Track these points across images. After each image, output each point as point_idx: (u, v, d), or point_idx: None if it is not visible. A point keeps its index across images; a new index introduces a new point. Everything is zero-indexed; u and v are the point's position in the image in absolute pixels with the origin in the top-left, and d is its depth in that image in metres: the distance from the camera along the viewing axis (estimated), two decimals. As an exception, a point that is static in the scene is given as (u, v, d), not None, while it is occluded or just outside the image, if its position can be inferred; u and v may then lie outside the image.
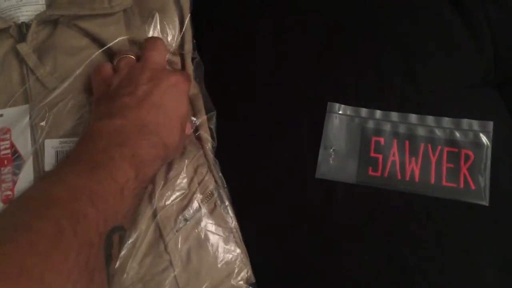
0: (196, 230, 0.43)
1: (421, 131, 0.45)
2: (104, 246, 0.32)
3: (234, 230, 0.45)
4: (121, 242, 0.35)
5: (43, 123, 0.43)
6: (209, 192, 0.45)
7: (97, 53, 0.45)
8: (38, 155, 0.43)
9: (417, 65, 0.47)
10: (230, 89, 0.50)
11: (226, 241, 0.44)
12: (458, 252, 0.42)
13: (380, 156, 0.45)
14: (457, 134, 0.45)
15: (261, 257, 0.45)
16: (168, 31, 0.48)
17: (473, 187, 0.43)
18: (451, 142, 0.45)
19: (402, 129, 0.46)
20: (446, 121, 0.45)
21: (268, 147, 0.48)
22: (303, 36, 0.51)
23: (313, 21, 0.51)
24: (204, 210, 0.44)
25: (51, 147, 0.43)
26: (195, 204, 0.44)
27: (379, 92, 0.47)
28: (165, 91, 0.40)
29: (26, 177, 0.42)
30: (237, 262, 0.43)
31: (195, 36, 0.50)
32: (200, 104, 0.49)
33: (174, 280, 0.41)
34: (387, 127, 0.46)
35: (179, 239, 0.42)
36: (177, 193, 0.44)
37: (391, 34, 0.49)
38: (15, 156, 0.42)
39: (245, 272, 0.44)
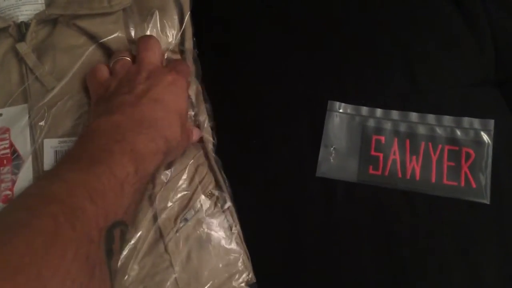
0: (197, 231, 0.43)
1: (421, 130, 0.45)
2: (105, 242, 0.32)
3: (236, 231, 0.44)
4: (123, 237, 0.35)
5: (42, 123, 0.43)
6: (209, 192, 0.45)
7: (91, 48, 0.45)
8: (37, 154, 0.43)
9: (418, 64, 0.47)
10: (229, 88, 0.50)
11: (227, 242, 0.44)
12: (459, 250, 0.42)
13: (381, 155, 0.45)
14: (458, 133, 0.45)
15: (261, 256, 0.45)
16: (168, 29, 0.48)
17: (474, 185, 0.43)
18: (452, 140, 0.45)
19: (402, 127, 0.46)
20: (447, 120, 0.45)
21: (269, 146, 0.48)
22: (303, 34, 0.51)
23: (313, 20, 0.51)
24: (205, 211, 0.44)
25: (50, 146, 0.43)
26: (196, 204, 0.44)
27: (380, 91, 0.47)
28: (163, 88, 0.40)
29: (25, 176, 0.42)
30: (239, 264, 0.43)
31: (195, 34, 0.50)
32: (200, 103, 0.49)
33: (174, 281, 0.41)
34: (388, 125, 0.46)
35: (180, 240, 0.42)
36: (178, 194, 0.44)
37: (392, 33, 0.49)
38: (14, 155, 0.42)
39: (247, 274, 0.44)
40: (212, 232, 0.43)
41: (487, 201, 0.43)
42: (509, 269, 0.42)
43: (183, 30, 0.49)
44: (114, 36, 0.45)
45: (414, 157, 0.45)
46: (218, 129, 0.49)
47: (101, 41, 0.45)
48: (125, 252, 0.40)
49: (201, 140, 0.47)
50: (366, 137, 0.46)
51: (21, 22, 0.45)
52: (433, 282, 0.42)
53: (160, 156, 0.38)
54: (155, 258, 0.41)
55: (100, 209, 0.32)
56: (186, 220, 0.43)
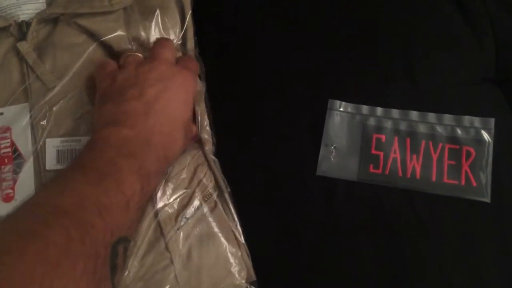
0: (197, 229, 0.43)
1: (422, 128, 0.45)
2: (110, 257, 0.32)
3: (236, 229, 0.44)
4: (125, 253, 0.35)
5: (43, 122, 0.43)
6: (209, 192, 0.45)
7: (92, 47, 0.45)
8: (38, 154, 0.43)
9: (418, 62, 0.47)
10: (229, 87, 0.50)
11: (227, 240, 0.44)
12: (459, 249, 0.42)
13: (381, 154, 0.45)
14: (459, 131, 0.45)
15: (261, 255, 0.45)
16: (170, 28, 0.48)
17: (474, 184, 0.43)
18: (453, 139, 0.44)
19: (403, 126, 0.45)
20: (448, 118, 0.45)
21: (269, 144, 0.48)
22: (304, 33, 0.50)
23: (314, 18, 0.51)
24: (205, 209, 0.44)
25: (52, 146, 0.43)
26: (196, 203, 0.44)
27: (380, 89, 0.47)
28: (173, 95, 0.40)
29: (26, 176, 0.42)
30: (238, 261, 0.43)
31: (195, 33, 0.50)
32: (201, 102, 0.49)
33: (174, 279, 0.41)
34: (388, 124, 0.46)
35: (180, 238, 0.42)
36: (178, 192, 0.44)
37: (392, 31, 0.49)
38: (16, 154, 0.42)
39: (246, 271, 0.44)
40: (212, 230, 0.43)
41: (487, 199, 0.42)
42: (509, 268, 0.42)
43: (184, 29, 0.49)
44: (115, 35, 0.45)
45: (414, 156, 0.45)
46: (218, 128, 0.49)
47: (102, 39, 0.45)
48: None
49: (200, 141, 0.47)
50: (366, 135, 0.46)
51: (22, 21, 0.45)
52: (433, 281, 0.42)
53: (161, 175, 0.39)
54: (156, 256, 0.41)
55: (107, 224, 0.32)
56: (186, 218, 0.43)
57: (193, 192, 0.44)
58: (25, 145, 0.42)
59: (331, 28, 0.50)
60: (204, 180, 0.45)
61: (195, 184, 0.44)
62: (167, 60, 0.43)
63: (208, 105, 0.49)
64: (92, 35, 0.45)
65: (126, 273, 0.40)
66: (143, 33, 0.47)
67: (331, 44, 0.50)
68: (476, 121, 0.45)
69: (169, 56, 0.43)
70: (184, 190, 0.44)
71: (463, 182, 0.43)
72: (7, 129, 0.43)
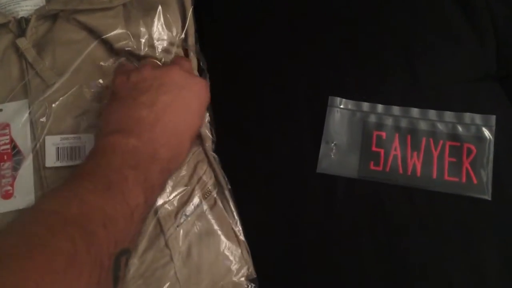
0: (197, 227, 0.43)
1: (423, 125, 0.45)
2: (113, 268, 0.32)
3: (236, 226, 0.44)
4: (127, 265, 0.35)
5: (43, 119, 0.43)
6: (208, 189, 0.45)
7: (93, 44, 0.45)
8: (38, 151, 0.43)
9: (419, 59, 0.47)
10: (230, 84, 0.50)
11: (227, 237, 0.44)
12: (460, 246, 0.42)
13: (382, 151, 0.45)
14: (460, 128, 0.44)
15: (262, 252, 0.45)
16: (171, 24, 0.48)
17: (475, 181, 0.43)
18: (453, 136, 0.44)
19: (404, 123, 0.45)
20: (448, 115, 0.45)
21: (269, 141, 0.48)
22: (304, 30, 0.50)
23: (314, 15, 0.51)
24: (205, 206, 0.44)
25: (52, 143, 0.43)
26: (196, 200, 0.44)
27: (381, 86, 0.47)
28: (186, 104, 0.40)
29: (26, 172, 0.42)
30: (238, 259, 0.43)
31: (196, 30, 0.50)
32: None
33: (174, 276, 0.41)
34: (389, 121, 0.46)
35: (180, 235, 0.42)
36: (178, 189, 0.44)
37: (393, 28, 0.49)
38: (15, 151, 0.42)
39: (246, 269, 0.44)
40: (212, 228, 0.44)
41: (488, 197, 0.42)
42: (510, 265, 0.41)
43: (186, 26, 0.49)
44: (114, 31, 0.45)
45: (415, 153, 0.44)
46: (218, 125, 0.49)
47: (103, 37, 0.45)
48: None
49: (200, 137, 0.47)
50: (367, 132, 0.46)
51: (21, 17, 0.45)
52: (433, 278, 0.42)
53: (163, 186, 0.40)
54: (156, 253, 0.41)
55: (111, 235, 0.32)
56: (186, 215, 0.43)
57: (193, 189, 0.44)
58: (25, 142, 0.42)
59: (331, 25, 0.50)
60: (204, 177, 0.45)
61: (195, 181, 0.44)
62: (184, 67, 0.42)
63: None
64: (91, 32, 0.45)
65: (127, 271, 0.40)
66: (143, 30, 0.46)
67: (332, 41, 0.50)
68: (477, 118, 0.45)
69: (186, 66, 0.43)
70: (184, 188, 0.44)
71: (463, 180, 0.43)
72: (6, 125, 0.43)
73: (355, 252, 0.43)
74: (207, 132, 0.47)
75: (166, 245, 0.42)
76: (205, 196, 0.44)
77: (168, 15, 0.48)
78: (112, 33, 0.45)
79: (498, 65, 0.48)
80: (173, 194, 0.43)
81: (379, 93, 0.47)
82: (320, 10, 0.51)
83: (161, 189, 0.40)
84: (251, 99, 0.50)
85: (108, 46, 0.45)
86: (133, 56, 0.46)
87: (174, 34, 0.48)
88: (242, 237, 0.45)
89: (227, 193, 0.45)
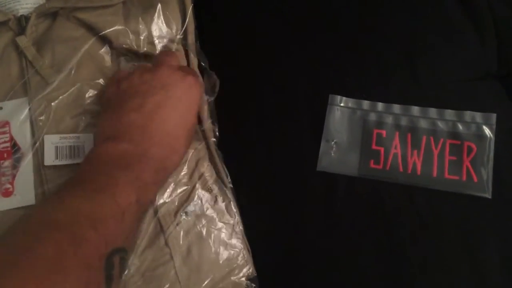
0: (197, 225, 0.43)
1: (423, 124, 0.45)
2: (105, 268, 0.32)
3: (237, 225, 0.44)
4: (123, 264, 0.35)
5: (42, 117, 0.43)
6: (209, 187, 0.45)
7: (92, 41, 0.45)
8: (37, 148, 0.43)
9: (420, 58, 0.47)
10: (230, 83, 0.50)
11: (228, 237, 0.44)
12: (460, 245, 0.42)
13: (382, 149, 0.45)
14: (460, 127, 0.44)
15: (262, 251, 0.45)
16: (171, 21, 0.48)
17: (475, 179, 0.43)
18: (454, 134, 0.44)
19: (404, 121, 0.45)
20: (449, 114, 0.45)
21: (269, 140, 0.48)
22: (304, 28, 0.50)
23: (314, 13, 0.51)
24: (205, 205, 0.44)
25: (51, 142, 0.43)
26: (196, 198, 0.44)
27: (381, 85, 0.47)
28: (175, 103, 0.40)
29: (25, 170, 0.42)
30: (239, 258, 0.43)
31: (196, 27, 0.50)
32: (202, 97, 0.48)
33: (174, 274, 0.41)
34: (389, 119, 0.46)
35: (180, 234, 0.42)
36: (178, 188, 0.44)
37: (393, 26, 0.49)
38: (15, 149, 0.42)
39: (247, 269, 0.44)
40: (213, 227, 0.43)
41: (488, 195, 0.42)
42: (510, 263, 0.41)
43: (186, 23, 0.49)
44: (113, 28, 0.45)
45: (415, 151, 0.44)
46: (218, 123, 0.49)
47: (101, 33, 0.45)
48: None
49: (202, 133, 0.47)
50: (367, 131, 0.46)
51: (21, 15, 0.45)
52: (434, 277, 0.42)
53: (158, 185, 0.40)
54: (156, 252, 0.41)
55: (101, 236, 0.32)
56: (186, 214, 0.43)
57: (194, 187, 0.44)
58: (24, 140, 0.42)
59: (331, 24, 0.50)
60: (205, 175, 0.45)
61: (196, 179, 0.44)
62: (171, 66, 0.42)
63: (210, 100, 0.49)
64: (91, 29, 0.45)
65: (127, 270, 0.40)
66: (143, 27, 0.46)
67: (332, 39, 0.50)
68: (478, 116, 0.44)
69: (173, 63, 0.43)
70: (184, 186, 0.44)
71: (464, 178, 0.43)
72: (6, 123, 0.43)
73: (355, 250, 0.43)
74: (210, 127, 0.47)
75: (166, 243, 0.42)
76: (206, 194, 0.44)
77: (167, 13, 0.48)
78: (111, 30, 0.45)
79: (499, 65, 0.48)
80: (174, 193, 0.43)
81: (379, 92, 0.47)
82: (320, 8, 0.51)
83: (157, 187, 0.40)
84: (251, 98, 0.50)
85: (108, 44, 0.45)
86: (133, 53, 0.46)
87: (174, 31, 0.48)
88: (243, 236, 0.45)
89: (228, 191, 0.45)
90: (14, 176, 0.42)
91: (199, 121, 0.47)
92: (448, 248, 0.42)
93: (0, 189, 0.41)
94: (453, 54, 0.47)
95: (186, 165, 0.44)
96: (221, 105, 0.49)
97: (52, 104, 0.43)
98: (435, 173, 0.44)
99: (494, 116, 0.44)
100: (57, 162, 0.43)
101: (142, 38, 0.46)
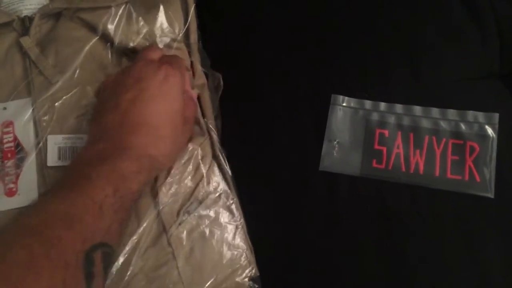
0: (200, 225, 0.43)
1: (425, 123, 0.45)
2: (83, 265, 0.32)
3: (240, 226, 0.44)
4: (107, 259, 0.35)
5: (46, 117, 0.43)
6: (212, 186, 0.45)
7: (94, 40, 0.45)
8: (41, 149, 0.43)
9: (422, 57, 0.47)
10: (232, 83, 0.50)
11: (231, 237, 0.44)
12: (463, 244, 0.42)
13: (384, 149, 0.45)
14: (462, 126, 0.44)
15: (264, 250, 0.45)
16: (173, 21, 0.48)
17: (478, 179, 0.43)
18: (456, 134, 0.44)
19: (406, 121, 0.45)
20: (451, 113, 0.45)
21: (272, 140, 0.48)
22: (306, 28, 0.50)
23: (316, 13, 0.51)
24: (208, 205, 0.44)
25: (54, 143, 0.43)
26: (199, 197, 0.44)
27: (383, 84, 0.47)
28: (153, 94, 0.40)
29: (29, 170, 0.42)
30: (242, 259, 0.43)
31: (198, 27, 0.50)
32: (206, 95, 0.49)
33: (177, 274, 0.41)
34: (392, 119, 0.46)
35: (182, 233, 0.42)
36: (181, 187, 0.44)
37: (396, 26, 0.49)
38: (18, 149, 0.42)
39: (250, 269, 0.43)
40: (216, 227, 0.43)
41: (491, 195, 0.42)
42: (512, 263, 0.41)
43: (188, 23, 0.49)
44: (116, 29, 0.45)
45: (417, 151, 0.44)
46: (221, 124, 0.49)
47: (103, 34, 0.45)
48: (128, 247, 0.41)
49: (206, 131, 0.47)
50: (369, 130, 0.46)
51: (25, 16, 0.45)
52: (437, 276, 0.42)
53: (144, 173, 0.38)
54: (159, 251, 0.41)
55: (77, 234, 0.33)
56: (188, 213, 0.43)
57: (197, 187, 0.44)
58: (28, 140, 0.43)
59: (333, 24, 0.50)
60: (209, 174, 0.45)
61: (199, 178, 0.44)
62: (148, 59, 0.42)
63: (213, 98, 0.49)
64: (94, 29, 0.45)
65: (129, 271, 0.40)
66: (145, 27, 0.46)
67: (334, 39, 0.50)
68: (480, 116, 0.44)
69: (150, 56, 0.43)
70: (188, 185, 0.44)
71: (466, 178, 0.43)
72: (10, 123, 0.43)
73: (357, 250, 0.43)
74: (214, 124, 0.47)
75: (169, 243, 0.42)
76: (209, 194, 0.44)
77: (170, 12, 0.48)
78: (114, 31, 0.45)
79: (502, 64, 0.48)
80: (176, 192, 0.43)
81: (381, 91, 0.47)
82: (322, 8, 0.51)
83: (144, 175, 0.38)
84: (253, 98, 0.50)
85: (111, 44, 0.45)
86: (135, 54, 0.46)
87: (177, 31, 0.48)
88: (246, 236, 0.44)
89: (232, 191, 0.45)
90: (17, 176, 0.42)
91: (203, 116, 0.48)
92: (450, 248, 0.42)
93: (4, 189, 0.41)
94: (455, 54, 0.47)
95: (189, 163, 0.44)
96: (223, 104, 0.49)
97: (56, 104, 0.44)
98: (437, 173, 0.44)
99: (496, 116, 0.44)
100: (60, 163, 0.43)
101: (144, 38, 0.46)
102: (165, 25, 0.47)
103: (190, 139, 0.45)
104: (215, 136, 0.47)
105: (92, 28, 0.45)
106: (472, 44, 0.47)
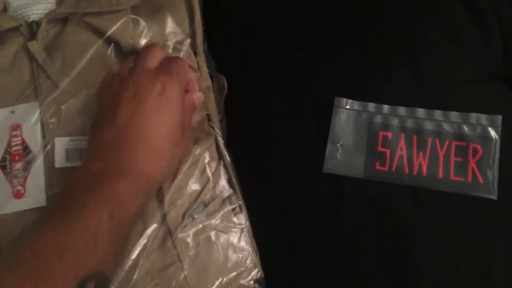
0: (206, 228, 0.43)
1: (428, 126, 0.45)
2: None
3: (245, 228, 0.45)
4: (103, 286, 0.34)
5: (53, 120, 0.43)
6: (218, 189, 0.45)
7: (99, 43, 0.45)
8: (48, 151, 0.43)
9: (425, 60, 0.47)
10: (236, 85, 0.50)
11: (237, 240, 0.44)
12: (466, 246, 0.42)
13: (388, 151, 0.45)
14: (465, 128, 0.44)
15: (268, 252, 0.45)
16: (179, 24, 0.48)
17: (481, 181, 0.43)
18: (459, 136, 0.44)
19: (409, 123, 0.45)
20: (454, 115, 0.45)
21: (276, 142, 0.48)
22: (310, 31, 0.51)
23: (319, 16, 0.51)
24: (214, 207, 0.44)
25: (62, 145, 0.43)
26: (205, 200, 0.44)
27: (387, 87, 0.47)
28: (151, 108, 0.38)
29: (37, 173, 0.42)
30: (248, 262, 0.44)
31: (203, 30, 0.50)
32: (211, 97, 0.49)
33: (183, 277, 0.41)
34: (395, 121, 0.46)
35: (188, 236, 0.42)
36: (187, 190, 0.44)
37: (398, 29, 0.49)
38: (26, 152, 0.43)
39: (256, 272, 0.44)
40: (221, 230, 0.44)
41: (494, 196, 0.42)
42: (516, 265, 0.41)
43: (193, 25, 0.49)
44: (122, 32, 0.46)
45: (421, 153, 0.44)
46: (226, 126, 0.49)
47: (110, 37, 0.45)
48: (135, 250, 0.41)
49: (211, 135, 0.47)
50: (373, 133, 0.46)
51: (32, 21, 0.46)
52: (440, 278, 0.42)
53: (141, 197, 0.37)
54: (164, 253, 0.42)
55: (69, 265, 0.31)
56: (194, 216, 0.43)
57: (202, 189, 0.44)
58: (35, 143, 0.43)
59: (337, 26, 0.50)
60: (215, 177, 0.45)
61: (205, 181, 0.45)
62: (145, 68, 0.41)
63: (218, 99, 0.49)
64: (101, 34, 0.46)
65: (137, 271, 0.40)
66: (151, 31, 0.47)
67: (337, 42, 0.50)
68: (483, 118, 0.45)
69: (149, 63, 0.41)
70: (193, 189, 0.44)
71: (469, 179, 0.43)
72: (18, 126, 0.43)
73: (361, 251, 0.44)
74: (219, 126, 0.48)
75: (174, 245, 0.42)
76: (215, 196, 0.45)
77: (176, 16, 0.48)
78: (120, 34, 0.45)
79: (504, 66, 0.48)
80: (182, 194, 0.43)
81: (385, 94, 0.47)
82: (326, 11, 0.51)
83: (142, 197, 0.37)
84: (257, 100, 0.50)
85: (117, 48, 0.46)
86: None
87: (182, 34, 0.49)
88: (251, 239, 0.45)
89: (238, 193, 0.46)
90: (25, 179, 0.42)
91: (209, 119, 0.48)
92: (454, 250, 0.42)
93: (12, 191, 0.42)
94: (458, 56, 0.47)
95: (195, 166, 0.44)
96: (227, 107, 0.50)
97: (62, 107, 0.44)
98: (440, 175, 0.44)
99: (499, 118, 0.44)
100: (68, 165, 0.43)
101: (150, 41, 0.46)
102: (171, 28, 0.48)
103: (195, 142, 0.45)
104: (220, 139, 0.47)
105: (98, 33, 0.46)
106: (474, 45, 0.47)
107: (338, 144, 0.46)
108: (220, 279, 0.42)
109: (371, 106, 0.47)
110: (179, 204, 0.43)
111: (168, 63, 0.42)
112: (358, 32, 0.50)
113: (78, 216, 0.33)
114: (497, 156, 0.43)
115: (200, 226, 0.43)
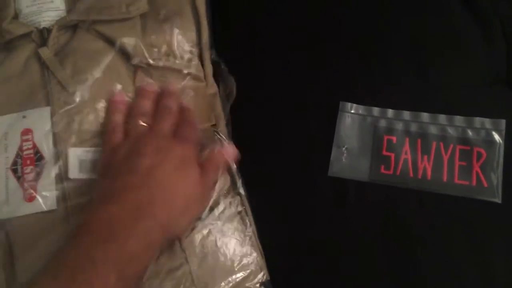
0: (213, 232, 0.43)
1: (433, 130, 0.45)
2: None
3: (251, 232, 0.45)
4: None
5: (65, 129, 0.43)
6: (224, 192, 0.45)
7: (111, 54, 0.45)
8: (59, 156, 0.43)
9: (429, 64, 0.47)
10: (241, 89, 0.50)
11: (242, 244, 0.44)
12: (471, 249, 0.42)
13: (392, 155, 0.45)
14: (469, 132, 0.45)
15: (273, 254, 0.45)
16: (186, 33, 0.49)
17: (485, 184, 0.43)
18: (463, 140, 0.45)
19: (414, 127, 0.46)
20: (458, 120, 0.45)
21: (281, 145, 0.48)
22: (315, 36, 0.51)
23: (324, 20, 0.51)
24: (220, 210, 0.44)
25: (75, 155, 0.43)
26: (212, 205, 0.44)
27: (391, 91, 0.47)
28: (171, 170, 0.39)
29: (47, 177, 0.43)
30: (253, 265, 0.44)
31: (210, 36, 0.51)
32: (217, 103, 0.49)
33: (190, 279, 0.42)
34: (399, 126, 0.46)
35: (195, 238, 0.43)
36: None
37: (402, 33, 0.49)
38: (37, 156, 0.43)
39: (261, 274, 0.44)
40: (228, 233, 0.44)
41: (498, 200, 0.42)
42: (521, 268, 0.41)
43: (200, 33, 0.50)
44: (132, 41, 0.46)
45: (425, 157, 0.45)
46: (231, 130, 0.50)
47: (120, 46, 0.46)
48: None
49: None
50: (377, 137, 0.46)
51: (43, 28, 0.46)
52: (444, 281, 0.42)
53: (154, 249, 0.37)
54: (171, 255, 0.42)
55: None
56: (200, 219, 0.43)
57: (209, 193, 0.44)
58: (47, 148, 0.43)
59: (341, 31, 0.51)
60: (221, 181, 0.45)
61: (211, 185, 0.45)
62: (164, 132, 0.42)
63: (225, 105, 0.50)
64: (110, 41, 0.46)
65: (146, 274, 0.40)
66: (160, 39, 0.47)
67: (342, 46, 0.50)
68: (487, 122, 0.45)
69: (166, 128, 0.43)
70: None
71: (474, 183, 0.43)
72: (29, 131, 0.44)
73: (366, 255, 0.44)
74: (225, 132, 0.48)
75: (181, 247, 0.42)
76: (221, 200, 0.45)
77: (183, 24, 0.49)
78: (130, 43, 0.46)
79: (508, 69, 0.48)
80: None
81: (389, 98, 0.47)
82: (331, 16, 0.51)
83: (147, 253, 0.37)
84: (262, 105, 0.50)
85: (127, 57, 0.46)
86: (151, 67, 0.47)
87: (190, 42, 0.49)
88: (257, 242, 0.45)
89: (244, 197, 0.46)
90: (37, 182, 0.42)
91: (215, 125, 0.48)
92: (458, 253, 0.42)
93: (23, 194, 0.42)
94: (461, 60, 0.47)
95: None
96: (232, 111, 0.50)
97: (75, 117, 0.44)
98: (445, 178, 0.44)
99: (503, 122, 0.44)
100: (82, 176, 0.43)
101: (159, 50, 0.47)
102: (179, 36, 0.48)
103: (201, 148, 0.45)
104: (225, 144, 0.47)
105: (108, 41, 0.46)
106: (478, 50, 0.47)
107: (343, 148, 0.46)
108: (227, 282, 0.42)
109: (376, 110, 0.47)
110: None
111: (187, 130, 0.43)
112: (363, 37, 0.50)
113: (85, 276, 0.32)
114: (501, 159, 0.43)
115: (207, 229, 0.43)
